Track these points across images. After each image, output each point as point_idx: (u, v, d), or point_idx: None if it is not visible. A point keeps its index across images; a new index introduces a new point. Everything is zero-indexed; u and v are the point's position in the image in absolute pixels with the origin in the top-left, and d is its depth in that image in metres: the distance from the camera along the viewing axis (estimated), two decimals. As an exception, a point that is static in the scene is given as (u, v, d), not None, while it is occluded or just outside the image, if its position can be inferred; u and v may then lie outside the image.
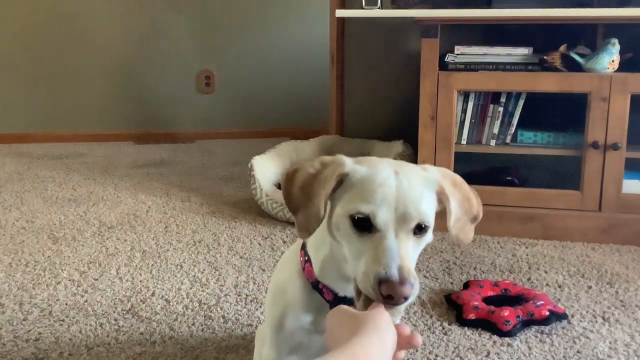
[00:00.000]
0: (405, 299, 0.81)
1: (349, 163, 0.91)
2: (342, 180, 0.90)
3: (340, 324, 0.82)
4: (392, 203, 0.85)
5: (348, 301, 0.95)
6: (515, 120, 2.34)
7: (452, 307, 1.71)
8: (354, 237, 0.86)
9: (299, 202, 0.90)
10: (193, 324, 1.63)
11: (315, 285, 0.99)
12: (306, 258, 1.00)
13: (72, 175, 3.23)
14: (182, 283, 1.88)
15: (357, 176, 0.89)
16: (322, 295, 0.99)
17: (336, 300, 0.97)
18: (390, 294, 0.81)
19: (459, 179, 0.97)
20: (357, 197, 0.86)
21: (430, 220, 0.88)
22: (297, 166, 0.94)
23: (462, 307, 1.66)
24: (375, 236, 0.85)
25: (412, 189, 0.87)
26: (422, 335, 1.57)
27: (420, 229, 0.87)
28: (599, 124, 2.20)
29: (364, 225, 0.85)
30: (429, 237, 0.90)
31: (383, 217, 0.84)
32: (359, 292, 0.87)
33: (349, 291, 0.95)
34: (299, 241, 1.07)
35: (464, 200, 0.95)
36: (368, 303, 0.85)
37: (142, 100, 4.29)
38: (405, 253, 0.84)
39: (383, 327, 0.79)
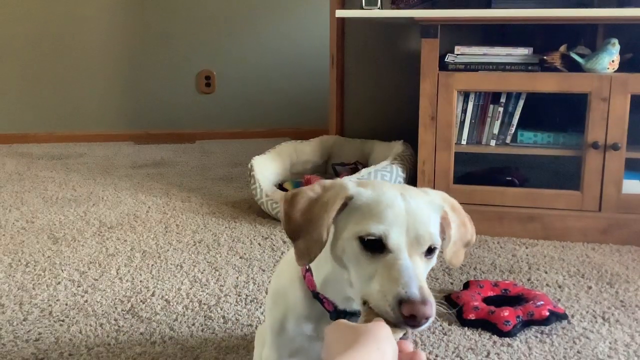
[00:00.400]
0: (427, 319, 0.79)
1: (352, 186, 0.89)
2: (346, 204, 0.88)
3: (338, 338, 0.80)
4: (402, 224, 0.83)
5: (349, 313, 0.95)
6: (515, 121, 2.34)
7: (452, 307, 1.71)
8: (362, 259, 0.84)
9: (300, 227, 0.88)
10: (193, 324, 1.63)
11: (316, 295, 0.98)
12: (307, 267, 0.99)
13: (72, 176, 3.23)
14: (182, 283, 1.88)
15: (362, 199, 0.87)
16: (323, 305, 0.98)
17: (337, 311, 0.96)
18: (412, 314, 0.78)
19: (457, 204, 0.97)
20: (365, 219, 0.84)
21: (439, 243, 0.87)
22: (297, 190, 0.92)
23: (462, 307, 1.66)
24: (388, 257, 0.83)
25: (420, 211, 0.86)
26: (422, 335, 1.57)
27: (429, 252, 0.86)
28: (599, 124, 2.20)
29: (374, 246, 0.83)
30: (435, 259, 0.89)
31: (395, 237, 0.83)
32: (364, 311, 0.85)
33: (349, 306, 0.94)
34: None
35: (461, 226, 0.94)
36: (370, 319, 0.83)
37: (142, 101, 4.29)
38: (421, 274, 0.83)
39: (382, 339, 0.77)
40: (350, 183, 0.90)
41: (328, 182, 0.93)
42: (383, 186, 0.89)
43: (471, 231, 0.96)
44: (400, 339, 0.84)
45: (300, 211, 0.88)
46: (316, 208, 0.87)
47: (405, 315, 0.79)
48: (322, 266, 0.95)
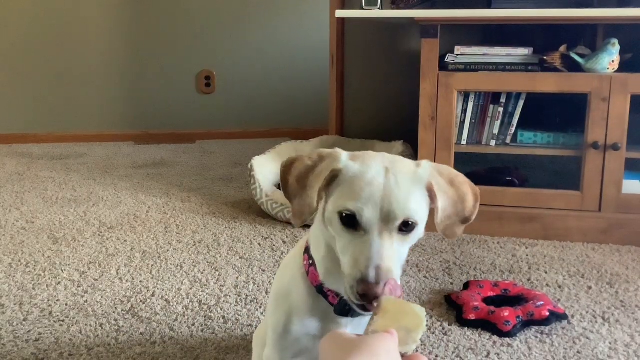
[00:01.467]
0: (375, 298, 0.82)
1: (344, 159, 0.92)
2: (337, 175, 0.91)
3: (332, 350, 0.78)
4: (377, 202, 0.86)
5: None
6: (515, 121, 2.34)
7: (452, 307, 1.71)
8: (342, 232, 0.88)
9: (296, 191, 0.93)
10: (193, 325, 1.63)
11: (320, 289, 0.98)
12: (310, 262, 1.00)
13: (72, 176, 3.23)
14: (182, 283, 1.88)
15: (349, 173, 0.90)
16: (327, 299, 0.98)
17: (341, 303, 0.96)
18: (365, 293, 0.83)
19: (460, 178, 0.97)
20: (346, 195, 0.88)
21: (418, 216, 0.88)
22: (295, 157, 0.96)
23: (462, 307, 1.66)
24: (360, 234, 0.87)
25: (399, 187, 0.88)
26: (422, 335, 1.57)
27: (407, 226, 0.88)
28: (599, 124, 2.20)
29: (351, 222, 0.87)
30: (418, 233, 0.90)
31: (368, 215, 0.86)
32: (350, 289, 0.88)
33: None
34: (299, 247, 1.07)
35: (458, 201, 0.94)
36: (376, 329, 0.83)
37: (142, 101, 4.29)
38: (388, 253, 0.85)
39: (381, 353, 0.75)
40: (343, 155, 0.93)
41: (325, 151, 0.96)
42: (372, 160, 0.91)
43: (471, 208, 0.96)
44: (409, 354, 0.83)
45: (295, 177, 0.94)
46: (310, 176, 0.93)
47: (360, 294, 0.83)
48: (319, 248, 0.97)
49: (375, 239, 0.85)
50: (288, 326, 1.01)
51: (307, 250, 1.02)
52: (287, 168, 0.95)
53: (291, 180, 0.94)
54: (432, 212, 0.94)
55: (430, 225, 0.93)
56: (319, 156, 0.95)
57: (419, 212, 0.89)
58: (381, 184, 0.87)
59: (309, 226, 1.05)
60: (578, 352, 1.50)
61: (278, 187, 2.64)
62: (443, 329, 1.61)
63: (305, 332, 1.01)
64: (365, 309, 0.85)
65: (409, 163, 0.94)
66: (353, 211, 0.86)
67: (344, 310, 0.96)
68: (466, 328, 1.61)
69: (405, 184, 0.89)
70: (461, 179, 0.97)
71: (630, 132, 2.19)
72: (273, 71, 4.32)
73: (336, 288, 0.97)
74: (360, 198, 0.86)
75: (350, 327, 1.00)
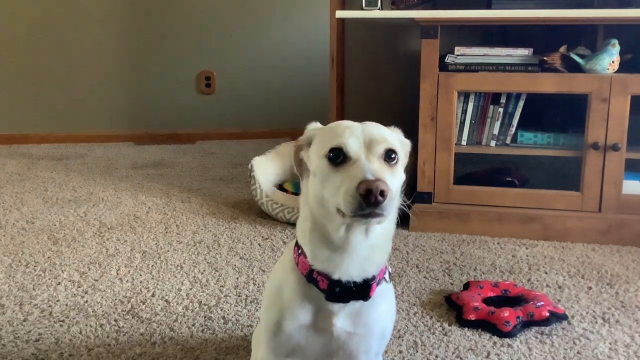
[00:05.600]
0: (383, 195, 0.86)
1: (313, 125, 1.05)
2: (311, 142, 1.01)
3: None
4: (359, 135, 0.94)
5: (343, 285, 0.97)
6: (515, 121, 2.34)
7: (452, 307, 1.71)
8: (331, 173, 0.92)
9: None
10: (193, 325, 1.63)
11: (310, 276, 1.00)
12: (299, 252, 1.02)
13: (72, 176, 3.24)
14: (182, 284, 1.88)
15: (323, 131, 1.00)
16: (318, 285, 0.99)
17: (331, 287, 0.97)
18: (368, 189, 0.86)
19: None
20: (326, 139, 0.95)
21: (396, 148, 0.96)
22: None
23: (462, 307, 1.66)
24: (349, 164, 0.92)
25: (376, 127, 0.98)
26: (422, 336, 1.57)
27: (390, 157, 0.94)
28: (599, 124, 2.20)
29: (338, 160, 0.93)
30: (400, 170, 0.97)
31: (353, 144, 0.93)
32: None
33: (343, 273, 0.97)
34: (289, 246, 1.09)
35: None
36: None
37: (142, 101, 4.29)
38: (378, 169, 0.91)
39: None
40: (313, 124, 1.05)
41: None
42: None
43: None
44: None
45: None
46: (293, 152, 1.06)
47: (362, 195, 0.86)
48: (304, 223, 1.01)
49: (364, 161, 0.91)
50: (280, 321, 1.02)
51: (296, 244, 1.04)
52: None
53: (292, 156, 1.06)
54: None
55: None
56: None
57: (396, 146, 0.97)
58: (359, 126, 0.97)
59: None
60: (578, 352, 1.50)
61: (278, 187, 2.64)
62: (443, 329, 1.61)
63: (297, 325, 1.01)
64: (370, 214, 0.87)
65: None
66: (338, 145, 0.92)
67: (334, 294, 0.98)
68: (466, 328, 1.61)
69: (382, 127, 0.99)
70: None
71: (630, 133, 2.19)
72: (273, 71, 4.32)
73: (324, 268, 0.98)
74: (343, 134, 0.94)
75: (342, 315, 1.00)
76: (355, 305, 1.00)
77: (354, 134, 0.94)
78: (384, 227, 0.96)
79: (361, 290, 0.98)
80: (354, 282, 0.97)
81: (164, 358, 1.47)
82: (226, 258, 2.10)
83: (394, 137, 1.00)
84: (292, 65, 4.31)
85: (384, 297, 1.04)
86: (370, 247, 0.96)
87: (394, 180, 0.94)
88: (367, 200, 0.86)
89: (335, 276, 0.97)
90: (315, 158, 0.97)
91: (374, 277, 0.99)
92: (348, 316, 1.01)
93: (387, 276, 1.04)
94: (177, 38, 4.23)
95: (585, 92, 2.20)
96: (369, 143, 0.93)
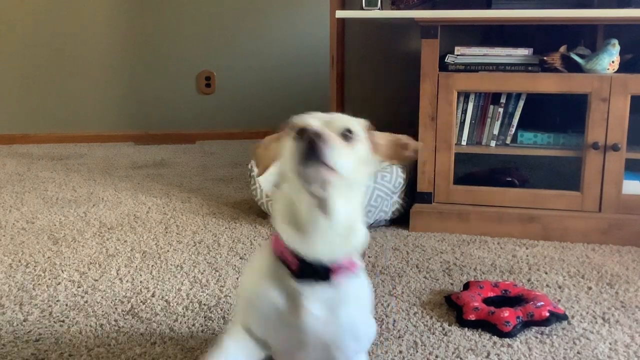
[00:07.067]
0: (321, 139, 0.92)
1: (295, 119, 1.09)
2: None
3: None
4: (321, 117, 1.03)
5: (313, 269, 1.02)
6: (515, 121, 2.34)
7: (452, 307, 1.71)
8: (295, 149, 0.96)
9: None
10: (193, 325, 1.63)
11: (281, 255, 1.06)
12: (275, 233, 1.10)
13: (72, 176, 3.24)
14: (182, 284, 1.88)
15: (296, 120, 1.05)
16: (289, 266, 1.04)
17: (302, 268, 1.02)
18: (303, 129, 0.95)
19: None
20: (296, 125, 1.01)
21: (355, 129, 1.02)
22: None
23: (462, 307, 1.66)
24: None
25: (340, 114, 1.06)
26: (422, 336, 1.57)
27: (347, 136, 1.00)
28: (599, 124, 2.20)
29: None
30: (359, 149, 1.02)
31: (312, 120, 1.01)
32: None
33: (310, 251, 1.02)
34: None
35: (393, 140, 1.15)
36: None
37: (142, 101, 4.29)
38: (329, 132, 0.96)
39: None
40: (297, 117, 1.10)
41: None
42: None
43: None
44: None
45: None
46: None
47: (300, 135, 0.94)
48: (277, 201, 1.12)
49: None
50: (253, 289, 1.09)
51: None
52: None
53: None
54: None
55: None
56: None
57: (357, 128, 1.03)
58: (324, 114, 1.05)
59: None
60: (578, 352, 1.50)
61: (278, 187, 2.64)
62: (443, 329, 1.61)
63: (268, 298, 1.05)
64: (311, 156, 0.93)
65: None
66: (302, 125, 0.98)
67: (300, 271, 1.02)
68: (466, 328, 1.61)
69: (344, 116, 1.06)
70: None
71: (630, 133, 2.19)
72: (273, 71, 4.32)
73: (295, 246, 1.04)
74: (307, 118, 1.02)
75: (313, 298, 1.03)
76: (325, 293, 1.03)
77: (316, 117, 1.03)
78: (347, 211, 1.00)
79: (325, 272, 1.02)
80: (321, 264, 1.01)
81: (164, 358, 1.47)
82: (226, 258, 2.10)
83: (355, 121, 1.06)
84: (292, 65, 4.31)
85: (357, 299, 1.08)
86: (334, 228, 1.00)
87: (352, 153, 0.99)
88: (310, 148, 0.92)
89: (303, 253, 1.02)
90: (287, 143, 1.03)
91: (339, 263, 1.03)
92: (319, 303, 1.03)
93: (361, 274, 1.09)
94: (177, 38, 4.23)
95: (585, 92, 2.20)
96: (329, 122, 1.01)
